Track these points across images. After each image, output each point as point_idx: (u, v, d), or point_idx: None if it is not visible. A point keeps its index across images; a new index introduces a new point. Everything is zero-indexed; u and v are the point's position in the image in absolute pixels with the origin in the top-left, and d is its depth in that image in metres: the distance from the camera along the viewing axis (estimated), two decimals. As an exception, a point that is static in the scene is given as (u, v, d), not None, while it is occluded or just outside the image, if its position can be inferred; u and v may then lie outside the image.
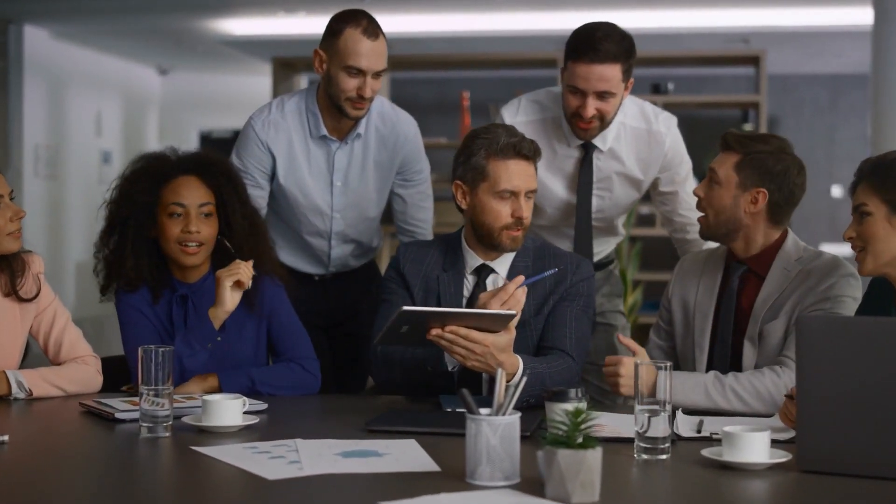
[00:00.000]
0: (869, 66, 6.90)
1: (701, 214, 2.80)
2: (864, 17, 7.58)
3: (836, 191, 11.51)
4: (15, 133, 9.59)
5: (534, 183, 2.76)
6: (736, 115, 8.67)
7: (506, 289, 2.59)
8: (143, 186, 2.80)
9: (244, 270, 2.72)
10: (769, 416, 2.49)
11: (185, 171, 2.82)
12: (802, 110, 11.67)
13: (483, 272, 2.80)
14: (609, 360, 2.64)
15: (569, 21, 4.46)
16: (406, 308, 2.43)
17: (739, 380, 2.58)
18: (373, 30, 3.10)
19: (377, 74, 3.12)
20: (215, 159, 2.88)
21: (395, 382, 2.74)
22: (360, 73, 3.09)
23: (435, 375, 2.66)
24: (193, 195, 2.78)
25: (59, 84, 10.39)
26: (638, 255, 6.84)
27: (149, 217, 2.79)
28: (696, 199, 3.33)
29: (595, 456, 1.77)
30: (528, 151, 2.73)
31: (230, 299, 2.72)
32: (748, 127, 7.25)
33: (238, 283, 2.72)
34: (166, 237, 2.77)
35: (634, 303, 6.61)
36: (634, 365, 2.52)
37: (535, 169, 2.78)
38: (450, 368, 2.65)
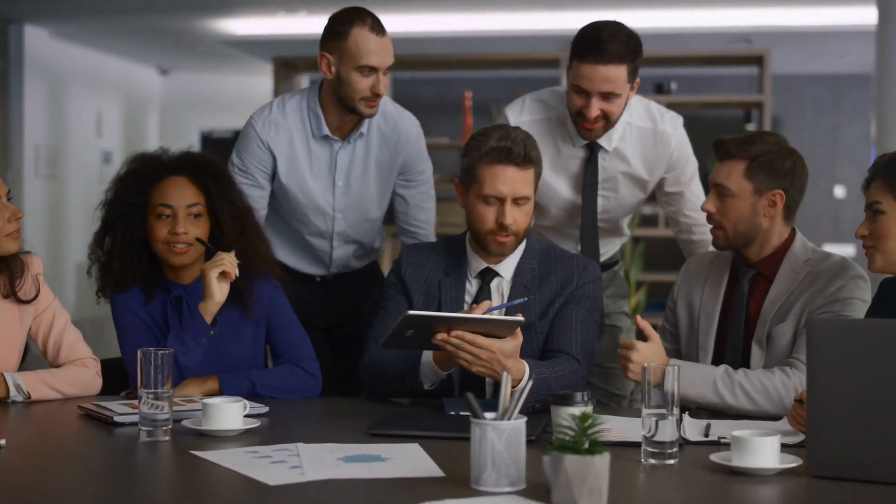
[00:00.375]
0: (872, 66, 6.88)
1: (712, 228, 2.72)
2: (867, 16, 7.55)
3: (839, 191, 11.49)
4: (15, 133, 9.58)
5: (525, 190, 2.66)
6: (738, 115, 8.64)
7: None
8: (134, 188, 2.78)
9: (228, 261, 2.69)
10: (776, 417, 2.46)
11: (174, 171, 2.79)
12: (805, 110, 11.64)
13: (487, 276, 2.76)
14: (623, 342, 2.60)
15: (571, 21, 4.44)
16: (411, 312, 2.40)
17: (749, 376, 2.55)
18: (378, 26, 3.08)
19: (387, 70, 3.10)
20: (203, 159, 2.85)
21: (379, 391, 2.71)
22: (374, 71, 3.06)
23: (413, 390, 2.64)
24: (180, 196, 2.75)
25: (59, 84, 10.37)
26: (641, 256, 6.81)
27: (139, 218, 2.76)
28: (701, 198, 3.31)
29: (603, 462, 1.74)
30: (517, 157, 2.64)
31: (218, 291, 2.69)
32: (751, 127, 7.21)
33: (224, 275, 2.69)
34: (154, 238, 2.75)
35: (638, 304, 6.57)
36: (649, 348, 2.55)
37: (534, 174, 2.69)
38: (426, 386, 2.62)
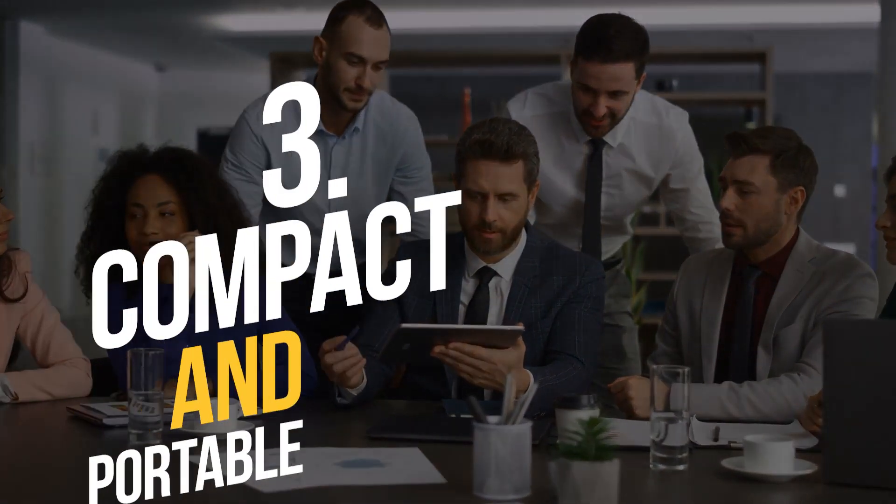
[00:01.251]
0: (874, 65, 6.83)
1: (729, 226, 2.59)
2: (870, 14, 7.51)
3: (840, 190, 11.45)
4: (10, 131, 9.54)
5: (509, 185, 2.57)
6: (739, 112, 8.59)
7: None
8: (113, 187, 2.71)
9: (193, 244, 2.59)
10: (786, 422, 2.39)
11: (148, 169, 2.72)
12: (806, 108, 11.59)
13: (485, 275, 2.69)
14: (614, 387, 2.49)
15: (572, 18, 4.37)
16: (404, 325, 2.32)
17: (755, 389, 2.46)
18: (376, 18, 3.01)
19: (378, 66, 3.02)
20: (179, 155, 2.76)
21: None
22: (361, 61, 2.99)
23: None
24: (151, 195, 2.67)
25: (55, 81, 10.33)
26: (642, 255, 6.76)
27: (119, 218, 2.69)
28: (707, 195, 3.25)
29: (612, 468, 1.67)
30: (498, 151, 2.55)
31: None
32: (752, 125, 7.17)
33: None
34: (129, 238, 2.67)
35: (639, 303, 6.52)
36: (642, 381, 2.43)
37: (523, 170, 2.59)
38: (338, 401, 2.51)
